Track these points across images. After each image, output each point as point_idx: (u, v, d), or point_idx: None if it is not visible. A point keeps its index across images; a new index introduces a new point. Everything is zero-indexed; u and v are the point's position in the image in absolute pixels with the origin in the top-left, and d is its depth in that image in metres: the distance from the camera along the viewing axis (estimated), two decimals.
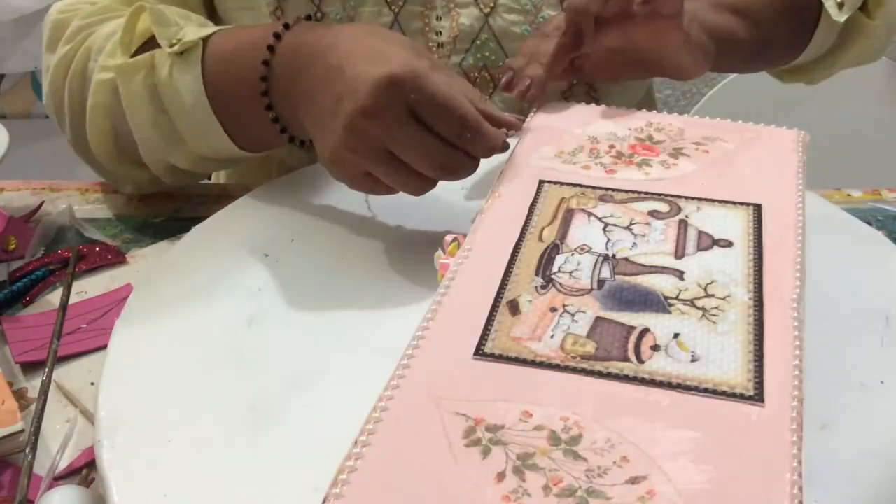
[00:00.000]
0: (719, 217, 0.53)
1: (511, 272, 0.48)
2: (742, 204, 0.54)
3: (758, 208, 0.53)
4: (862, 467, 0.47)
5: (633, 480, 0.36)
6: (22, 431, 0.53)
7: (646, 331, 0.44)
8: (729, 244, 0.50)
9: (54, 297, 0.67)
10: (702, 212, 0.53)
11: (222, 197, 0.77)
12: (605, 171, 0.57)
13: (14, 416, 0.54)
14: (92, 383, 0.59)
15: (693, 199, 0.54)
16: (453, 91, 0.56)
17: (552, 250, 0.50)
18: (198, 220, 0.69)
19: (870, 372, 0.53)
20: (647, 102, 0.91)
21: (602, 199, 0.54)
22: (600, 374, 0.42)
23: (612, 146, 0.60)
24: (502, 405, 0.40)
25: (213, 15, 0.80)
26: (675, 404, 0.40)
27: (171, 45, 0.65)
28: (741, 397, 0.40)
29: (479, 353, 0.43)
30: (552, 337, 0.44)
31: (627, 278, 0.48)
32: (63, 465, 0.54)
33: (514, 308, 0.46)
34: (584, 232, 0.51)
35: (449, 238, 0.55)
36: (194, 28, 0.67)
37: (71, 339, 0.63)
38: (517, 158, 0.59)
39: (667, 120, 0.63)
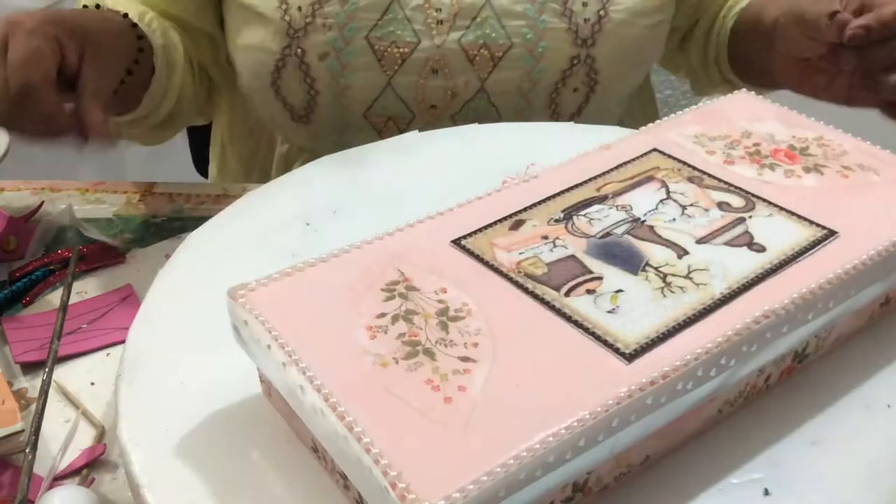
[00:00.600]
0: (781, 227, 0.53)
1: (543, 203, 0.55)
2: (816, 225, 0.53)
3: (831, 234, 0.52)
4: (851, 483, 0.46)
5: (465, 360, 0.44)
6: (22, 431, 0.54)
7: (598, 278, 0.49)
8: (762, 249, 0.51)
9: (54, 297, 0.66)
10: (771, 219, 0.53)
11: (222, 197, 0.79)
12: (724, 161, 0.59)
13: (14, 416, 0.54)
14: (92, 383, 0.59)
15: (774, 205, 0.55)
16: (28, 55, 0.58)
17: (596, 200, 0.55)
18: (198, 220, 0.67)
19: (867, 390, 0.51)
20: (645, 91, 0.95)
21: (690, 179, 0.57)
22: (524, 290, 0.48)
23: (757, 144, 0.61)
24: (435, 278, 0.49)
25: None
26: (555, 328, 0.45)
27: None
28: (614, 350, 0.44)
29: (457, 242, 0.52)
30: (521, 254, 0.51)
31: (634, 240, 0.52)
32: (63, 465, 0.54)
33: (516, 225, 0.53)
34: (641, 195, 0.55)
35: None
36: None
37: (71, 339, 0.62)
38: (660, 127, 0.63)
39: (839, 139, 0.62)
